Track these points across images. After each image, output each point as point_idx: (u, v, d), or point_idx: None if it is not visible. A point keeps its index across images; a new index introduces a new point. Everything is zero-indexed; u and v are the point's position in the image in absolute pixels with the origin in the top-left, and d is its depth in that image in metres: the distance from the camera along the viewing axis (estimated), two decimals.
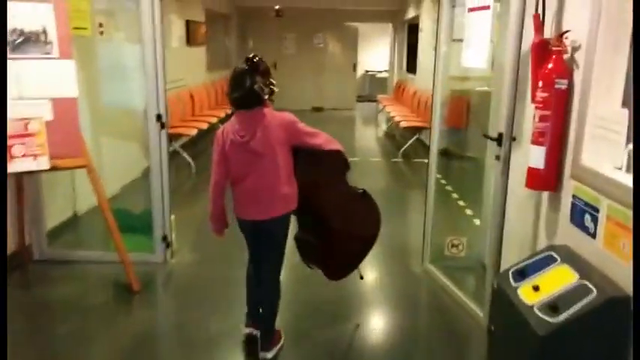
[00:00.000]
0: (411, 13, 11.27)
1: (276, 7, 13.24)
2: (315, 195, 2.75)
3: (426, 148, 8.67)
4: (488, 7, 3.06)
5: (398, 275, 3.97)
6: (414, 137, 8.16)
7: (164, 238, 3.86)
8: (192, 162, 7.07)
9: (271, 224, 2.65)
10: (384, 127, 11.52)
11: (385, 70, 16.39)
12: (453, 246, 3.90)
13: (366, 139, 9.98)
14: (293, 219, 2.81)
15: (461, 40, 3.57)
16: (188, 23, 8.65)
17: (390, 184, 6.98)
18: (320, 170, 2.79)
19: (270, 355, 2.80)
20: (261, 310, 2.85)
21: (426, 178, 3.91)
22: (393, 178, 7.17)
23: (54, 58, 3.13)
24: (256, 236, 2.74)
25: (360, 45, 14.42)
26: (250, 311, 2.92)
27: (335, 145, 2.77)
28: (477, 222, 4.68)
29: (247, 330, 2.84)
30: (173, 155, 7.36)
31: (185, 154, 7.12)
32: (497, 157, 2.88)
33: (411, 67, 11.60)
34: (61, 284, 3.64)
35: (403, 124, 8.25)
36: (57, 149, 3.12)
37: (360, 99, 15.20)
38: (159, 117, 3.66)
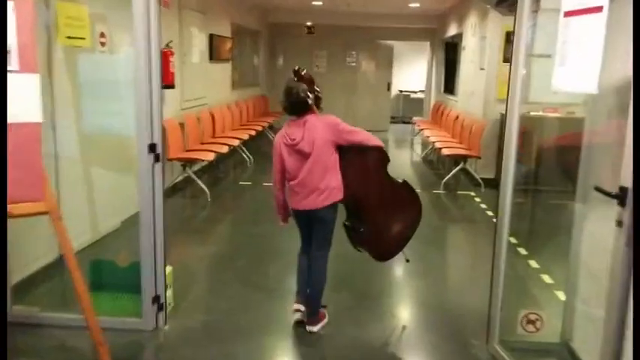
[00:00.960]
0: (451, 31, 10.41)
1: (308, 23, 12.56)
2: (361, 185, 3.12)
3: (470, 178, 7.89)
4: (600, 9, 2.20)
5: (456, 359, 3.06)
6: (459, 167, 7.24)
7: (155, 299, 3.05)
8: (208, 190, 6.30)
9: (321, 213, 3.04)
10: (419, 150, 10.62)
11: (421, 91, 15.53)
12: (528, 322, 2.98)
13: (402, 165, 9.11)
14: (341, 208, 3.16)
15: (548, 56, 2.71)
16: (212, 37, 7.98)
17: (434, 222, 6.07)
18: (364, 164, 3.13)
19: (315, 328, 3.19)
20: (308, 290, 3.20)
21: (494, 239, 2.97)
22: (437, 214, 6.26)
23: (12, 72, 2.39)
24: (309, 224, 3.14)
25: (394, 64, 13.61)
26: (299, 290, 3.28)
27: (376, 142, 3.11)
28: (559, 294, 3.72)
29: (296, 306, 3.26)
30: (186, 182, 6.64)
31: (199, 182, 6.36)
32: (620, 223, 1.99)
33: (451, 88, 10.73)
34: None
35: (445, 151, 7.34)
36: (11, 191, 2.36)
37: (394, 120, 14.35)
38: (152, 147, 2.89)
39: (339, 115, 3.05)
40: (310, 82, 3.01)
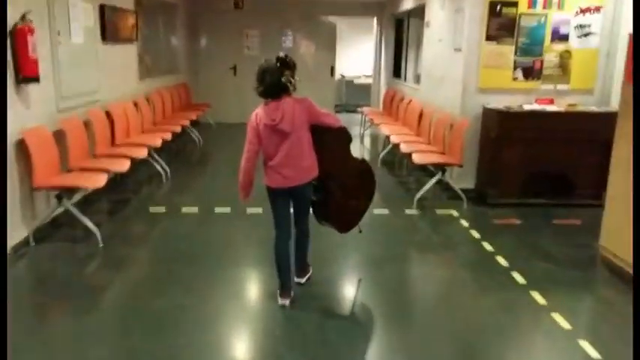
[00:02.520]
0: (406, 4, 8.81)
1: None
2: (331, 161, 3.38)
3: (443, 188, 6.09)
4: None
5: None
6: (435, 178, 5.67)
7: None
8: (98, 230, 4.38)
9: (302, 188, 3.29)
10: (371, 146, 9.04)
11: (366, 76, 13.96)
12: None
13: None
14: None
15: None
16: (103, 9, 5.93)
17: (416, 268, 4.50)
18: (332, 142, 3.41)
19: (303, 280, 3.68)
20: (295, 250, 3.57)
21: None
22: (418, 253, 4.65)
23: None
24: (287, 200, 3.34)
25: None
26: (281, 284, 3.42)
27: (340, 123, 3.45)
28: None
29: (282, 301, 3.40)
30: (71, 217, 4.68)
31: (83, 218, 4.40)
32: None
33: (406, 73, 9.19)
34: None
35: (417, 158, 5.73)
36: None
37: (337, 109, 12.68)
38: None
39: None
40: (294, 68, 3.23)
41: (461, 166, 5.54)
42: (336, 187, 3.42)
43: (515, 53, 5.76)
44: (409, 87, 8.51)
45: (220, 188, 6.17)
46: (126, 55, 6.85)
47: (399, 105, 8.59)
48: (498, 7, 5.64)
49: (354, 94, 13.93)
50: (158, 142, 6.21)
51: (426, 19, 7.51)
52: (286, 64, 3.17)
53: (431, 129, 6.66)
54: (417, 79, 8.18)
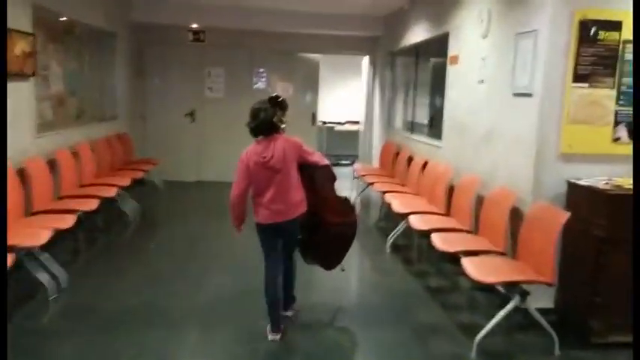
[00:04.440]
0: (415, 36, 6.82)
1: (194, 25, 8.48)
2: (318, 199, 3.45)
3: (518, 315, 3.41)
4: None
5: None
6: (510, 306, 3.44)
7: None
8: None
9: (290, 224, 3.37)
10: (366, 213, 6.83)
11: (349, 122, 11.99)
12: None
13: (354, 273, 5.24)
14: None
15: None
16: None
17: None
18: (318, 180, 3.48)
19: (290, 313, 3.67)
20: (283, 290, 3.53)
21: None
22: None
23: None
24: (276, 237, 3.41)
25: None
26: (275, 319, 3.42)
27: (325, 161, 3.54)
28: None
29: (272, 337, 3.40)
30: None
31: None
32: None
33: (418, 124, 7.16)
34: None
35: (480, 274, 3.45)
36: None
37: None
38: None
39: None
40: (285, 109, 3.37)
41: (552, 285, 3.36)
42: (324, 222, 3.48)
43: (617, 101, 3.72)
44: (423, 143, 6.40)
45: (159, 308, 3.84)
46: (15, 96, 4.53)
47: (407, 164, 6.48)
48: (593, 30, 3.61)
49: (336, 144, 11.89)
50: (68, 224, 3.87)
51: (451, 53, 5.48)
52: (279, 104, 3.33)
53: (483, 218, 4.50)
54: (434, 132, 6.10)
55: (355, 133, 11.47)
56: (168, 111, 8.73)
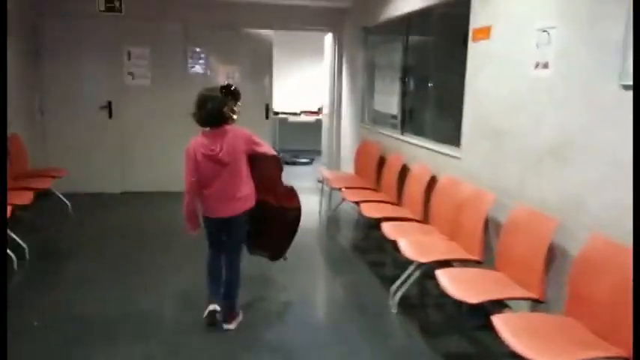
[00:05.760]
0: (405, 4, 5.15)
1: None
2: (266, 190, 3.35)
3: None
4: None
5: None
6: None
7: None
8: None
9: (234, 220, 3.22)
10: (336, 237, 5.19)
11: (305, 112, 10.32)
12: None
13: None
14: None
15: None
16: None
17: None
18: (267, 171, 3.35)
19: (232, 326, 3.31)
20: (223, 290, 3.32)
21: None
22: None
23: None
24: (220, 231, 3.29)
25: None
26: (211, 292, 3.36)
27: (273, 152, 3.39)
28: None
29: (211, 307, 3.31)
30: None
31: None
32: None
33: (402, 123, 5.56)
34: None
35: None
36: None
37: None
38: None
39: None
40: (238, 98, 3.17)
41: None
42: (272, 214, 3.41)
43: None
44: (427, 149, 4.77)
45: None
46: None
47: (398, 175, 4.87)
48: None
49: (292, 138, 10.21)
50: None
51: (476, 23, 3.86)
52: (232, 94, 3.14)
53: (523, 263, 2.93)
54: (445, 136, 4.49)
55: (313, 126, 9.80)
56: (76, 104, 6.69)
